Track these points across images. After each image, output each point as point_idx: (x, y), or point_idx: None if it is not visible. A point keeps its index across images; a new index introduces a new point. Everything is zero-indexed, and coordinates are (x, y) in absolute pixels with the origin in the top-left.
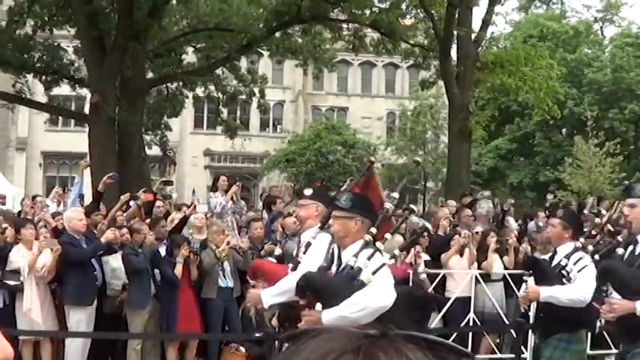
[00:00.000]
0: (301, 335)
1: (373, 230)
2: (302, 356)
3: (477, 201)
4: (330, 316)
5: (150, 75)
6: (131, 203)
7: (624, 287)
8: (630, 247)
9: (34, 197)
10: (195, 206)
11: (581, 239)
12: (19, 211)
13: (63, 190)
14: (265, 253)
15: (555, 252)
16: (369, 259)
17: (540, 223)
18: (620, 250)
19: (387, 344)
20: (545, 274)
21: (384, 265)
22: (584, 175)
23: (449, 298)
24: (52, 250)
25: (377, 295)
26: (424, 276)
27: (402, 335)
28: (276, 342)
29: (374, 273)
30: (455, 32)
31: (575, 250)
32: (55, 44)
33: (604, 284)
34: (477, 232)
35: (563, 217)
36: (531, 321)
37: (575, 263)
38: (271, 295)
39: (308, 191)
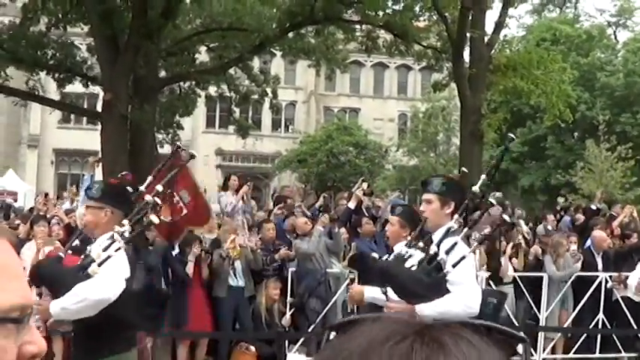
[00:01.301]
0: (357, 321)
1: (125, 222)
2: (369, 335)
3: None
4: (55, 306)
5: (163, 74)
6: None
7: (404, 290)
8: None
9: (46, 194)
10: None
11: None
12: (31, 208)
13: (77, 189)
14: (279, 257)
15: (392, 250)
16: (104, 250)
17: (549, 227)
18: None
19: (448, 329)
20: (370, 272)
21: (111, 257)
22: (595, 179)
23: None
24: (53, 248)
25: (98, 287)
26: None
27: (461, 322)
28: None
29: (101, 264)
30: (468, 35)
31: (408, 247)
32: (69, 42)
33: (383, 286)
34: (484, 234)
35: (402, 215)
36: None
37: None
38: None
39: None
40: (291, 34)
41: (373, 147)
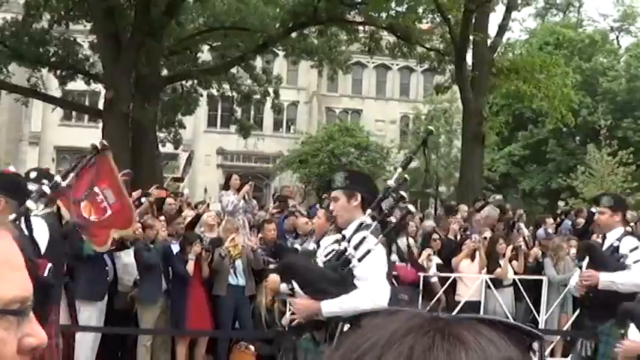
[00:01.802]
0: (372, 314)
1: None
2: (389, 328)
3: (488, 205)
4: None
5: (165, 72)
6: (142, 200)
7: (309, 286)
8: (331, 243)
9: None
10: (208, 204)
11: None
12: None
13: None
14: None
15: (319, 245)
16: None
17: (549, 230)
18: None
19: (467, 326)
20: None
21: None
22: (596, 183)
23: (459, 302)
24: None
25: None
26: (435, 279)
27: (476, 317)
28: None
29: None
30: (471, 37)
31: (335, 242)
32: (71, 39)
33: (289, 281)
34: (485, 238)
35: (328, 208)
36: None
37: (326, 256)
38: None
39: None
40: (294, 35)
41: (375, 148)
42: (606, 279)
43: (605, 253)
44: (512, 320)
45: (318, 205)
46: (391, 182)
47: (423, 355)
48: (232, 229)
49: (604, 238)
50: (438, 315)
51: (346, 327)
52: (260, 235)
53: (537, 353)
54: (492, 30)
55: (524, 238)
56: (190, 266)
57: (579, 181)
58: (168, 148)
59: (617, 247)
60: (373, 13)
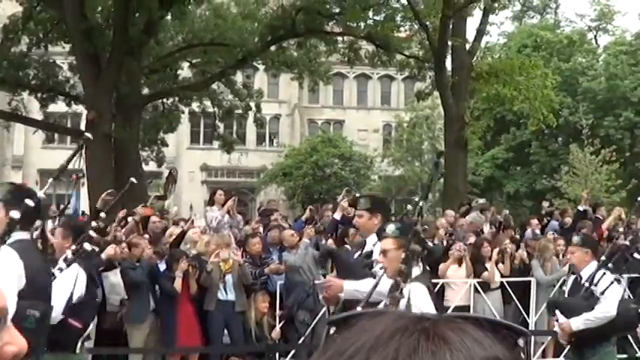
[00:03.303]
0: (358, 316)
1: None
2: (374, 330)
3: (472, 210)
4: None
5: (145, 91)
6: (128, 219)
7: None
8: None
9: None
10: (192, 221)
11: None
12: None
13: (57, 208)
14: (270, 271)
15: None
16: None
17: (537, 231)
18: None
19: (452, 325)
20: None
21: None
22: (580, 183)
23: (448, 307)
24: None
25: None
26: None
27: (461, 316)
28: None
29: None
30: (449, 43)
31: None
32: (51, 61)
33: None
34: (470, 244)
35: (64, 225)
36: None
37: None
38: None
39: None
40: (273, 48)
41: (358, 158)
42: (350, 287)
43: (350, 259)
44: (497, 318)
45: (303, 217)
46: (41, 194)
47: (409, 358)
48: (223, 244)
49: (364, 242)
50: (424, 315)
51: (332, 330)
52: (242, 249)
53: (524, 349)
54: (470, 35)
55: (511, 237)
56: (177, 283)
57: (563, 181)
58: (151, 167)
59: (372, 252)
60: (351, 24)
